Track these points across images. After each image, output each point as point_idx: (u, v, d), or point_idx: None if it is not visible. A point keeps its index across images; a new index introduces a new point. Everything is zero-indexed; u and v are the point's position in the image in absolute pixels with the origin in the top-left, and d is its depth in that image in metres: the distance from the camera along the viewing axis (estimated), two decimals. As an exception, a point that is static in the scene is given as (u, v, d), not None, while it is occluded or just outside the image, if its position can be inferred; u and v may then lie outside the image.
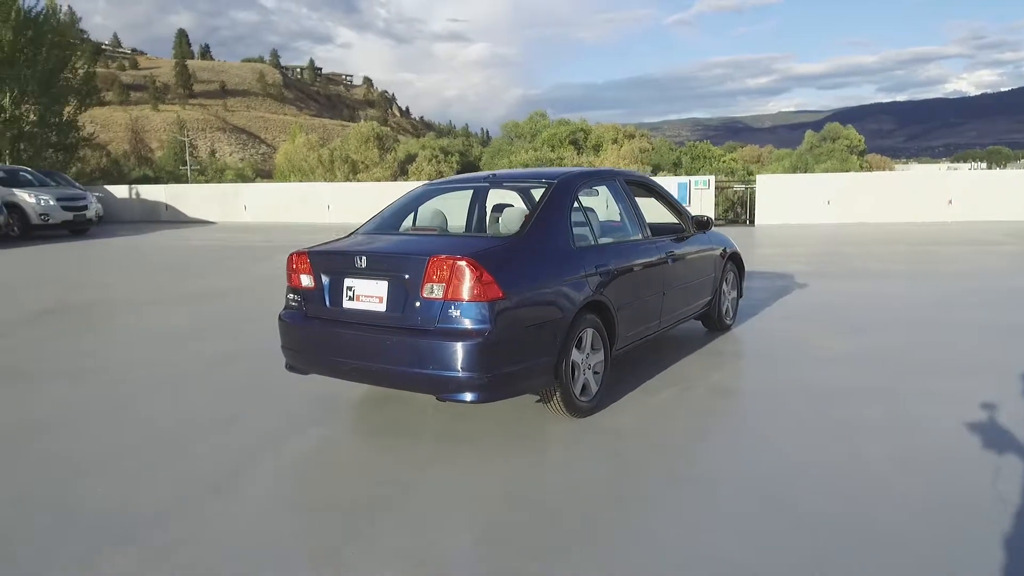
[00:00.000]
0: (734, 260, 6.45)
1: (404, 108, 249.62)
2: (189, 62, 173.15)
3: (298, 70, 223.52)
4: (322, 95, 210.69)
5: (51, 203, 16.04)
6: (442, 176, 75.68)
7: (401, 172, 75.08)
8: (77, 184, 20.31)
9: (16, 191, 15.88)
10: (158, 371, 5.39)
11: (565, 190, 4.42)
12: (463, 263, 3.57)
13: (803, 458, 3.54)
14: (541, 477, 3.41)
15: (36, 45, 31.49)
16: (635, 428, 4.02)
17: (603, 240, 4.96)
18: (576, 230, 4.38)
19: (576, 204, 4.47)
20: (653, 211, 5.92)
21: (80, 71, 35.48)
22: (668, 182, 18.68)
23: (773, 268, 10.26)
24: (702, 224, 5.73)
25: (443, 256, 3.62)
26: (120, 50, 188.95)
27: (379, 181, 60.76)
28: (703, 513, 2.99)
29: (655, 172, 40.17)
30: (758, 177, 18.76)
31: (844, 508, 2.97)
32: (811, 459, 3.52)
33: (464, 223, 5.04)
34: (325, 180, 67.16)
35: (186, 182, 71.80)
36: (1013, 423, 3.91)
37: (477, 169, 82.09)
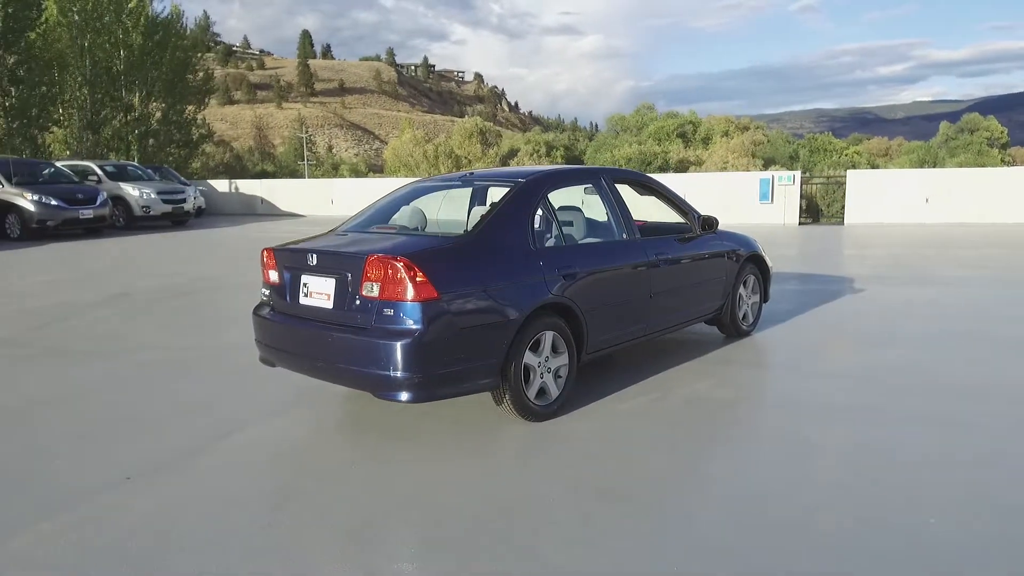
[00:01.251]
0: (755, 262, 6.14)
1: (513, 103, 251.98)
2: (311, 61, 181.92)
3: (412, 67, 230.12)
4: (434, 91, 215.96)
5: (152, 196, 17.37)
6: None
7: (503, 166, 75.95)
8: (182, 179, 21.84)
9: (122, 185, 17.31)
10: (182, 354, 5.72)
11: (528, 190, 4.36)
12: (397, 263, 3.61)
13: (747, 479, 3.35)
14: (468, 478, 3.40)
15: (162, 49, 34.08)
16: (589, 435, 3.93)
17: (577, 241, 4.88)
18: (540, 231, 4.32)
19: (544, 204, 4.41)
20: (665, 211, 5.77)
21: (200, 73, 38.09)
22: (748, 177, 17.93)
23: (836, 271, 9.67)
24: (707, 224, 5.49)
25: (379, 255, 3.67)
26: (249, 51, 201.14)
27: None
28: (620, 536, 2.89)
29: (767, 166, 38.55)
30: (848, 173, 17.66)
31: (755, 543, 2.80)
32: (754, 479, 3.32)
33: (464, 220, 5.04)
34: (429, 175, 69.06)
35: (301, 177, 75.47)
36: (988, 465, 3.54)
37: (582, 163, 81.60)
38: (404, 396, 3.64)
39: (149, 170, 20.07)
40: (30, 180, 15.31)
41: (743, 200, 17.18)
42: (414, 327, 3.58)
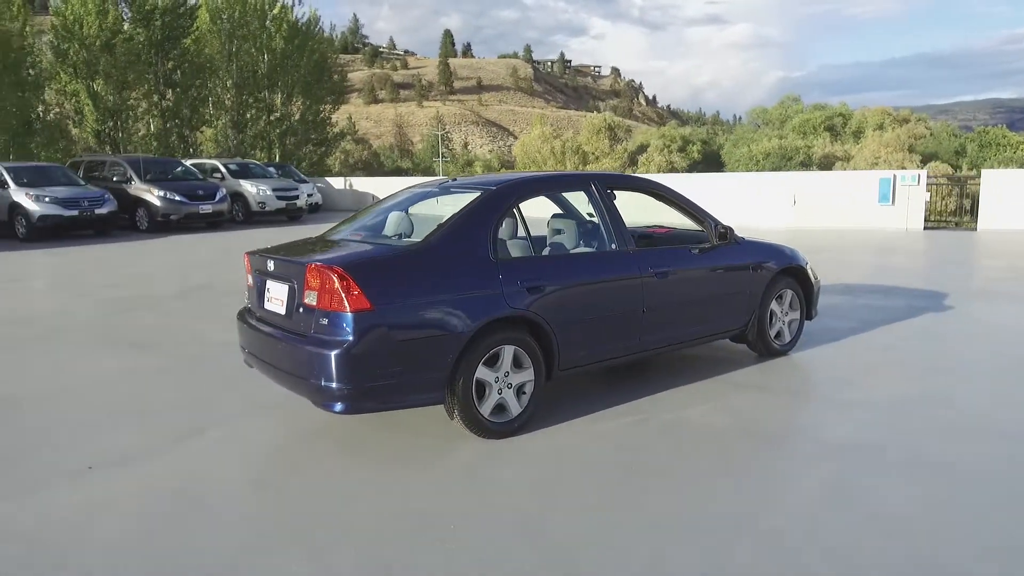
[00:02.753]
0: (795, 276, 5.60)
1: (651, 97, 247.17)
2: (451, 60, 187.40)
3: (548, 63, 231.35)
4: (569, 87, 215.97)
5: (268, 193, 18.50)
6: (672, 167, 73.82)
7: (631, 163, 74.76)
8: (301, 176, 23.05)
9: (242, 182, 18.57)
10: (225, 349, 5.97)
11: (494, 199, 4.18)
12: (332, 273, 3.57)
13: (679, 525, 3.04)
14: (392, 494, 3.32)
15: (300, 52, 36.24)
16: (541, 457, 3.72)
17: (568, 251, 4.64)
18: (503, 241, 4.14)
19: (512, 214, 4.22)
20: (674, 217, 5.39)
21: (335, 75, 40.17)
22: (866, 177, 16.50)
23: (935, 285, 8.67)
24: (722, 235, 5.05)
25: (317, 264, 3.65)
26: (394, 52, 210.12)
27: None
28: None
29: (926, 162, 34.94)
30: (983, 172, 15.79)
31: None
32: (687, 526, 3.01)
33: None
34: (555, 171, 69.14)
35: (434, 174, 77.92)
36: (950, 537, 3.00)
37: (719, 159, 78.94)
38: (338, 407, 3.60)
39: (271, 168, 21.41)
40: (160, 177, 16.76)
41: (860, 202, 15.83)
42: (345, 338, 3.52)
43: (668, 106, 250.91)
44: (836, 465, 3.54)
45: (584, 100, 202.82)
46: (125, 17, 30.12)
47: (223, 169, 18.94)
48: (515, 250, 4.22)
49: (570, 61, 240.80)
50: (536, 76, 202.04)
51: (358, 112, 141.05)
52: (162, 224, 16.12)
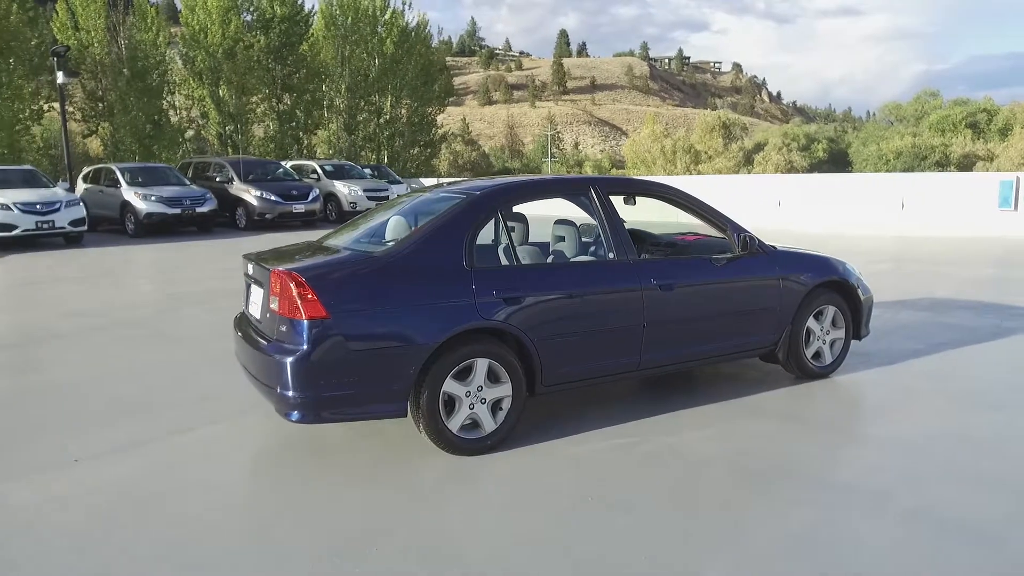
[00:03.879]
0: (838, 291, 5.07)
1: (775, 93, 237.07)
2: (565, 60, 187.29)
3: (666, 60, 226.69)
4: (687, 84, 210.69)
5: (359, 193, 19.02)
6: (791, 166, 70.32)
7: (746, 162, 71.94)
8: (395, 177, 23.59)
9: (336, 183, 19.20)
10: None
11: (473, 205, 3.99)
12: (289, 279, 3.52)
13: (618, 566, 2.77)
14: (360, 509, 3.22)
15: (409, 55, 37.22)
16: (507, 482, 3.51)
17: (568, 259, 4.39)
18: (481, 249, 3.95)
19: (493, 221, 4.02)
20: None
21: (441, 78, 40.98)
22: (987, 179, 14.93)
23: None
24: (745, 244, 4.62)
25: (279, 270, 3.60)
26: (510, 53, 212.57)
27: (719, 173, 59.15)
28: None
29: None
30: None
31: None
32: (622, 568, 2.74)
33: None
34: (664, 171, 67.58)
35: (541, 174, 77.99)
36: None
37: (846, 157, 74.61)
38: (294, 415, 3.55)
39: (367, 169, 22.07)
40: (260, 177, 17.62)
41: (978, 207, 14.37)
42: (300, 346, 3.46)
43: (794, 103, 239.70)
44: (819, 513, 3.12)
45: (702, 97, 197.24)
46: (246, 25, 31.93)
47: (319, 170, 19.68)
48: (493, 259, 4.02)
49: (688, 58, 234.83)
50: (652, 74, 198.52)
51: (472, 113, 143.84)
52: (259, 222, 16.93)
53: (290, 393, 3.49)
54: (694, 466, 3.66)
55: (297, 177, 18.50)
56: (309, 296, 3.47)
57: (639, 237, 5.51)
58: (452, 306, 3.70)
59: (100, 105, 29.51)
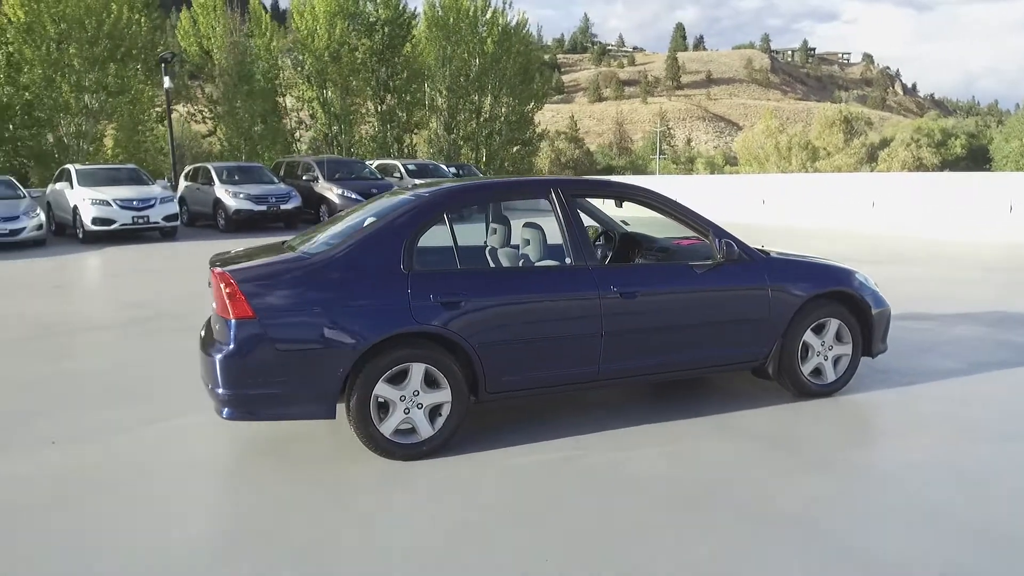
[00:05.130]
0: (844, 302, 4.65)
1: (909, 85, 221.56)
2: (679, 54, 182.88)
3: (789, 53, 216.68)
4: (811, 77, 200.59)
5: (439, 191, 19.28)
6: (920, 164, 65.54)
7: (870, 159, 67.60)
8: (480, 175, 23.78)
9: (416, 181, 19.47)
10: None
11: (417, 208, 3.93)
12: (219, 280, 3.59)
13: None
14: (282, 507, 3.29)
15: (508, 54, 37.45)
16: (432, 488, 3.45)
17: (532, 263, 4.26)
18: (422, 253, 3.88)
19: (439, 224, 3.94)
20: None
21: (536, 74, 40.97)
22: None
23: None
24: (729, 251, 4.30)
25: (215, 270, 3.69)
26: (623, 49, 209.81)
27: (838, 171, 55.92)
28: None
29: None
30: None
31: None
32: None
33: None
34: (778, 169, 64.56)
35: (649, 173, 76.68)
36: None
37: (986, 155, 68.86)
38: (225, 412, 3.62)
39: (452, 168, 22.38)
40: (346, 176, 18.25)
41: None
42: (227, 344, 3.54)
43: (931, 95, 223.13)
44: (734, 544, 2.85)
45: (828, 91, 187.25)
46: (351, 29, 33.15)
47: (402, 169, 20.16)
48: (434, 263, 3.94)
49: (813, 49, 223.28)
50: (773, 66, 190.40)
51: (581, 111, 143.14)
52: (340, 219, 17.51)
53: (220, 390, 3.57)
54: (627, 485, 3.46)
55: (380, 176, 19.02)
56: (237, 296, 3.53)
57: (634, 241, 5.29)
58: (384, 309, 3.67)
59: (218, 108, 31.55)
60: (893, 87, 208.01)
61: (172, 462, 3.83)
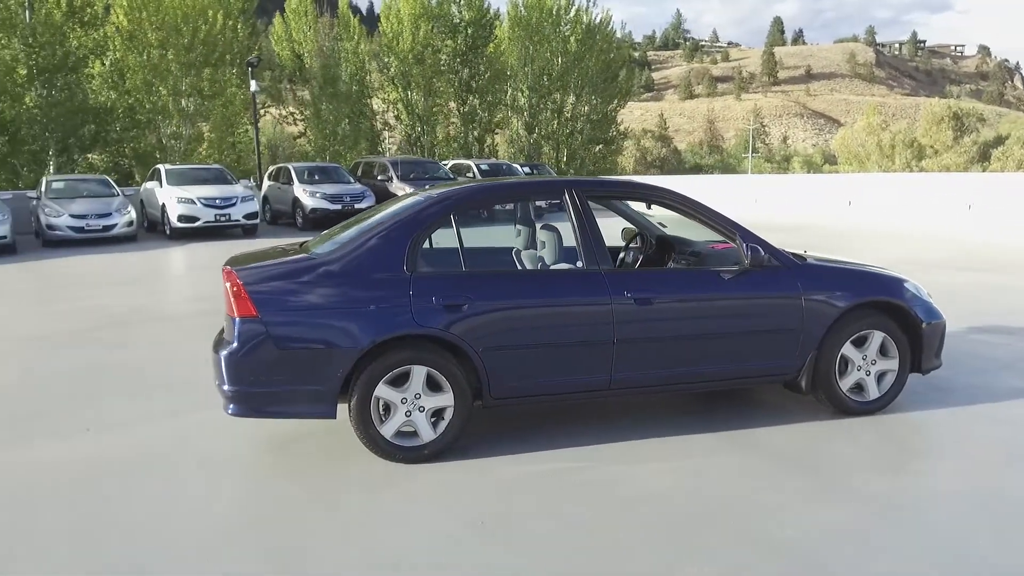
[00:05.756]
0: (890, 313, 4.30)
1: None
2: (777, 49, 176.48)
3: (896, 45, 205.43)
4: (921, 71, 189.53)
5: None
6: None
7: (981, 157, 63.18)
8: (553, 174, 23.60)
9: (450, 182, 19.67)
10: None
11: (421, 211, 3.87)
12: (227, 279, 3.66)
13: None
14: (274, 502, 3.35)
15: (591, 52, 37.11)
16: (423, 494, 3.39)
17: (548, 266, 4.15)
18: (427, 255, 3.83)
19: (444, 225, 3.88)
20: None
21: (621, 72, 40.38)
22: None
23: None
24: (755, 256, 4.04)
25: (225, 269, 3.76)
26: (717, 45, 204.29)
27: (946, 170, 52.56)
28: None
29: None
30: None
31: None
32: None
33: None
34: (880, 167, 61.26)
35: (741, 172, 74.35)
36: None
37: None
38: (231, 408, 3.69)
39: (525, 168, 22.35)
40: (420, 177, 18.49)
41: None
42: (232, 342, 3.60)
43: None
44: (717, 572, 2.66)
45: (938, 85, 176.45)
46: (435, 31, 33.65)
47: (475, 169, 20.28)
48: (439, 265, 3.89)
49: (923, 41, 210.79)
50: (878, 60, 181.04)
51: (671, 108, 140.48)
52: (411, 217, 17.77)
53: (225, 387, 3.64)
54: (624, 500, 3.29)
55: (452, 176, 19.20)
56: (241, 295, 3.58)
57: (668, 244, 5.07)
58: (384, 312, 3.64)
59: (307, 110, 32.72)
60: (1012, 81, 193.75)
61: (185, 455, 3.93)
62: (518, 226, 4.84)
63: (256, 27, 29.74)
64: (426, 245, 4.03)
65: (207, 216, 14.80)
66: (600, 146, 39.65)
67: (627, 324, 3.90)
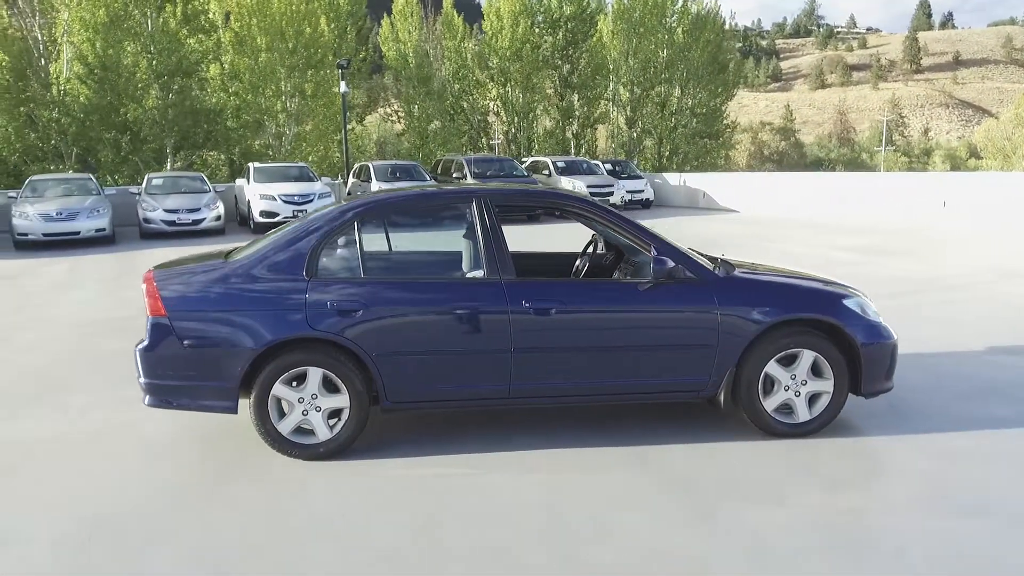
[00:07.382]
0: (826, 331, 4.05)
1: None
2: (921, 34, 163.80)
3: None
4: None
5: (583, 189, 19.13)
6: None
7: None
8: (636, 172, 22.97)
9: (562, 178, 19.55)
10: None
11: (327, 219, 4.03)
12: (144, 280, 3.97)
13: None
14: (171, 492, 3.62)
15: (697, 43, 35.98)
16: (312, 491, 3.56)
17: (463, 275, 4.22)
18: (327, 261, 3.97)
19: (348, 233, 4.01)
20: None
21: (731, 63, 38.82)
22: None
23: None
24: (659, 269, 3.91)
25: (147, 272, 4.07)
26: (854, 31, 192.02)
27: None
28: None
29: None
30: None
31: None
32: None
33: None
34: (1026, 163, 55.53)
35: (872, 167, 69.81)
36: None
37: None
38: (147, 399, 4.00)
39: (606, 165, 22.04)
40: (496, 175, 18.70)
41: None
42: (145, 338, 3.91)
43: None
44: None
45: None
46: (535, 27, 33.78)
47: (551, 166, 20.28)
48: (338, 271, 4.01)
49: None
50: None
51: (800, 99, 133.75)
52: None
53: (141, 380, 3.96)
54: (505, 509, 3.32)
55: (527, 174, 19.30)
56: (154, 296, 3.89)
57: (621, 253, 4.97)
58: (280, 314, 3.83)
59: (406, 108, 33.82)
60: None
61: (128, 440, 4.30)
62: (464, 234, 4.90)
63: (363, 28, 31.06)
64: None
65: (285, 211, 15.69)
66: (706, 140, 38.38)
67: (525, 333, 3.89)
